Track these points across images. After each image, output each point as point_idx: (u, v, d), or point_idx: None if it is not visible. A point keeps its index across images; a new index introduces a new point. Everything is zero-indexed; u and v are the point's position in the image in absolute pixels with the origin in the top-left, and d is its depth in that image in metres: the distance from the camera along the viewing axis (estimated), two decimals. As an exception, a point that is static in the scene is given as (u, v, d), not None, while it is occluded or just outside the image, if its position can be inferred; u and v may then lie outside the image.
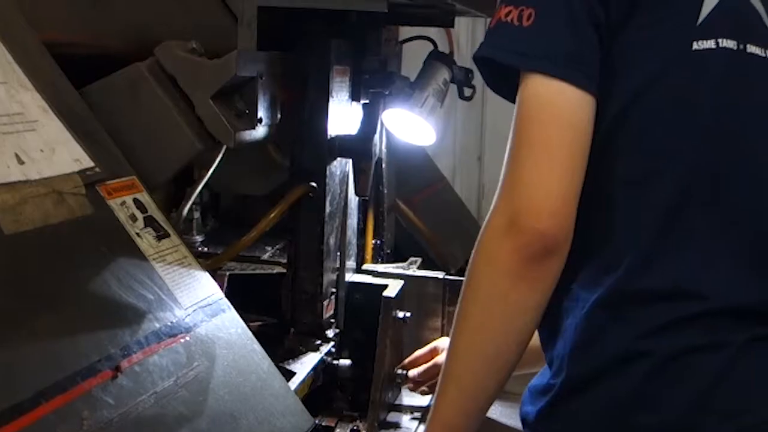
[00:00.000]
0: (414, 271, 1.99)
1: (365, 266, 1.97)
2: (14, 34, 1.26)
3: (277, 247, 2.03)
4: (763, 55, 1.17)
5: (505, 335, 1.14)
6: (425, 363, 1.82)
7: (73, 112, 1.26)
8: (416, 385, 1.83)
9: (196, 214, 1.97)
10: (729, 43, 1.14)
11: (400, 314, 1.78)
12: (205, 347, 1.19)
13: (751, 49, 1.16)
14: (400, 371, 1.84)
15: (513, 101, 1.15)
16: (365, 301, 1.81)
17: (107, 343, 1.03)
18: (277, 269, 1.83)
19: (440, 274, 2.02)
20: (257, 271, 1.84)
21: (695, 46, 1.14)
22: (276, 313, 1.72)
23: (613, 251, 1.14)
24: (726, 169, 1.14)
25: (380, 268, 1.98)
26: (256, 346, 1.30)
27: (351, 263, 1.86)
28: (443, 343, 1.84)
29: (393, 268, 1.99)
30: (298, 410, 1.29)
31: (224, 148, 1.44)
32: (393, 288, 1.78)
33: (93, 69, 1.41)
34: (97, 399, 0.96)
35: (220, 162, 1.47)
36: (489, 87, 1.22)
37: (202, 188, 1.56)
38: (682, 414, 1.11)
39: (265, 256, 1.97)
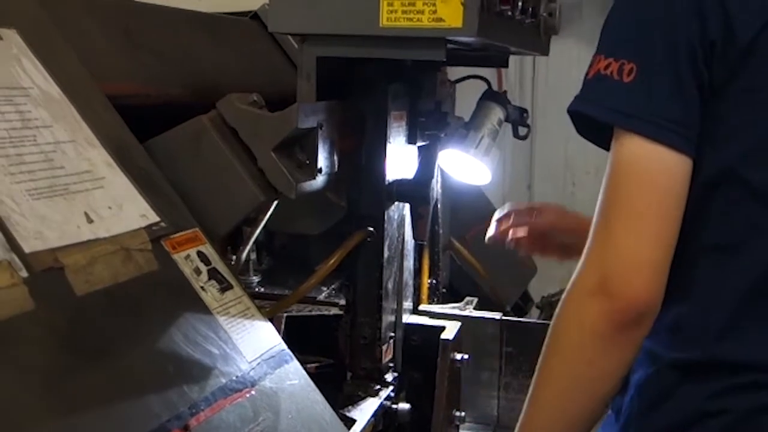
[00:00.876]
0: (470, 312, 1.98)
1: (421, 307, 1.97)
2: (79, 88, 1.28)
3: (333, 287, 2.04)
4: None
5: (590, 398, 1.13)
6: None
7: (137, 166, 1.28)
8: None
9: (252, 255, 2.00)
10: None
11: (458, 356, 1.77)
12: (270, 400, 1.19)
13: None
14: (458, 413, 1.83)
15: (607, 149, 1.12)
16: (423, 344, 1.81)
17: (176, 402, 1.04)
18: (334, 310, 1.84)
19: (497, 315, 2.01)
20: (314, 313, 1.85)
21: None
22: (333, 355, 1.72)
23: (692, 315, 1.12)
24: None
25: (436, 308, 1.98)
26: (318, 396, 1.30)
27: (408, 304, 1.86)
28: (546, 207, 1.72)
29: (449, 308, 1.99)
30: (360, 461, 1.29)
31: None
32: (450, 330, 1.78)
33: (156, 119, 1.43)
34: (168, 459, 0.97)
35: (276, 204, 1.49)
36: (581, 136, 1.19)
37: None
38: None
39: (321, 297, 1.98)
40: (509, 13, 1.43)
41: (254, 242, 2.06)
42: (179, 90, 1.58)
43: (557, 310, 1.13)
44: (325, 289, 2.06)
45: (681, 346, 1.13)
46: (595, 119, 1.12)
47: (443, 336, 1.76)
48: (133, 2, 1.71)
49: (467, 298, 2.08)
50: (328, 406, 1.31)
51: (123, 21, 1.55)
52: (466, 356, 1.80)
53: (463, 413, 1.84)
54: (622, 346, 1.09)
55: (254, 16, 2.02)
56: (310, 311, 1.86)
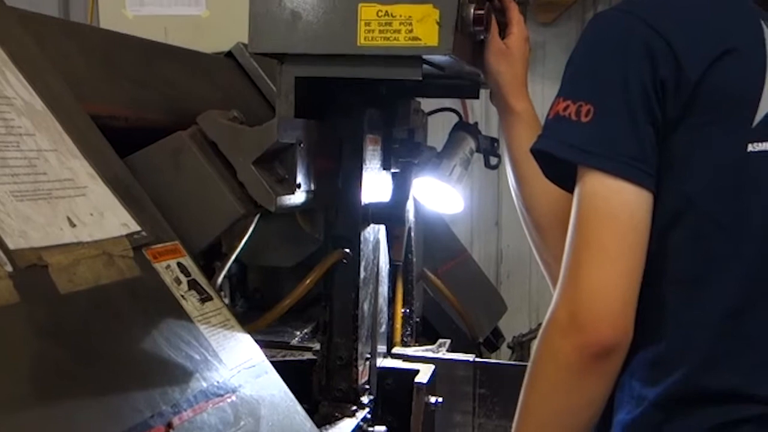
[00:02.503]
0: (444, 354, 1.99)
1: (395, 350, 1.98)
2: (61, 104, 1.30)
3: (306, 331, 2.05)
4: None
5: (569, 429, 1.16)
6: None
7: (118, 179, 1.29)
8: None
9: (226, 299, 1.99)
10: None
11: (432, 399, 1.78)
12: (251, 407, 1.20)
13: None
14: None
15: (571, 192, 1.17)
16: (397, 387, 1.82)
17: (159, 400, 1.04)
18: (307, 355, 1.85)
19: (470, 357, 2.03)
20: (287, 358, 1.85)
21: (750, 148, 1.14)
22: (307, 401, 1.71)
23: (670, 350, 1.14)
24: None
25: (410, 351, 1.99)
26: (299, 407, 1.31)
27: (382, 347, 1.87)
28: None
29: (423, 351, 2.00)
30: (340, 472, 1.29)
31: (256, 218, 1.47)
32: (424, 374, 1.79)
33: (134, 141, 1.45)
34: (151, 454, 0.97)
35: (250, 234, 1.50)
36: (547, 178, 1.24)
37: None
38: None
39: (294, 342, 1.98)
40: (481, 36, 1.47)
41: (228, 282, 2.08)
42: (157, 115, 1.60)
43: (535, 346, 1.17)
44: (298, 333, 2.06)
45: (663, 382, 1.14)
46: (555, 156, 1.16)
47: (417, 379, 1.77)
48: (113, 32, 1.74)
49: (440, 341, 2.10)
50: (308, 418, 1.32)
51: (102, 47, 1.58)
52: (440, 399, 1.81)
53: None
54: (595, 379, 1.12)
55: (229, 54, 2.06)
56: (283, 356, 1.86)
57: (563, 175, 1.19)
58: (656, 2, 1.20)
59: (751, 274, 1.14)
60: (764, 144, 1.14)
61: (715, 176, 1.13)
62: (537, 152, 1.20)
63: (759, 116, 1.14)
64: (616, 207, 1.11)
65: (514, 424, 1.20)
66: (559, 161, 1.16)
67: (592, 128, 1.13)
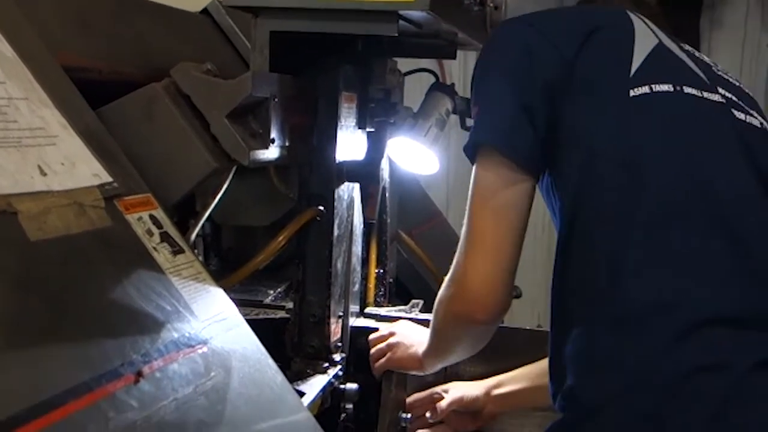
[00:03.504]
0: (416, 314, 2.00)
1: (368, 310, 1.99)
2: (33, 55, 1.28)
3: (279, 290, 2.04)
4: (700, 95, 1.32)
5: (466, 352, 1.56)
6: (425, 407, 1.90)
7: (90, 130, 1.28)
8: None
9: (200, 256, 1.99)
10: (663, 87, 1.30)
11: None
12: (222, 359, 1.20)
13: (688, 90, 1.31)
14: (404, 415, 1.85)
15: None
16: (369, 347, 1.82)
17: (129, 349, 1.04)
18: (280, 314, 1.85)
19: None
20: (260, 316, 1.85)
21: (632, 93, 1.28)
22: (281, 359, 1.72)
23: (601, 282, 1.26)
24: (685, 195, 1.25)
25: (383, 311, 1.99)
26: (270, 361, 1.31)
27: (354, 307, 1.88)
28: (443, 388, 1.90)
29: (396, 311, 2.00)
30: (311, 426, 1.30)
31: (231, 174, 1.46)
32: None
33: (106, 94, 1.43)
34: (121, 401, 0.97)
35: (223, 192, 1.49)
36: None
37: (204, 222, 1.57)
38: None
39: (268, 300, 1.98)
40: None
41: (201, 240, 2.08)
42: (130, 69, 1.58)
43: (436, 303, 1.47)
44: (271, 292, 2.06)
45: (598, 308, 1.27)
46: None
47: None
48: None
49: (413, 301, 2.10)
50: (280, 372, 1.32)
51: (76, 1, 1.55)
52: None
53: (409, 415, 1.86)
54: (477, 330, 1.43)
55: (204, 11, 2.04)
56: (257, 315, 1.86)
57: None
58: (537, 13, 1.42)
59: (661, 198, 1.25)
60: (643, 88, 1.29)
61: (603, 125, 1.28)
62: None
63: (634, 67, 1.31)
64: (489, 190, 1.31)
65: (429, 343, 1.60)
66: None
67: (477, 124, 1.33)
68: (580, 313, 1.28)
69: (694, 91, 1.32)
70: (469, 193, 1.33)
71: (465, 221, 1.33)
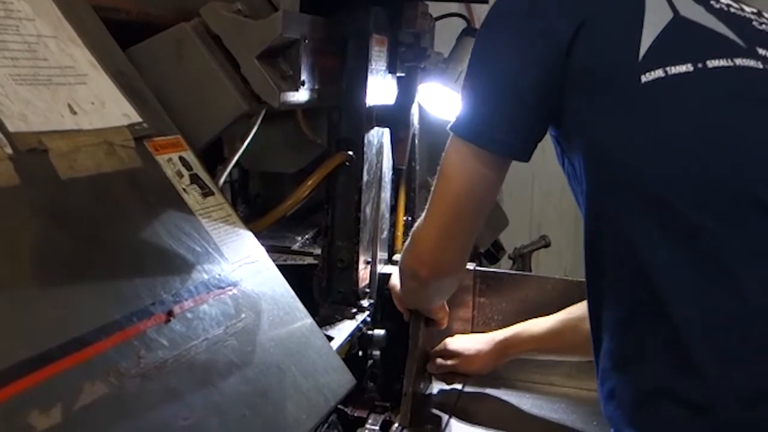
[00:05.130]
0: None
1: (396, 257, 1.97)
2: (61, -6, 1.27)
3: (307, 237, 2.04)
4: (730, 64, 1.16)
5: (431, 302, 1.69)
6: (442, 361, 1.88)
7: (119, 70, 1.27)
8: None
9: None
10: (681, 68, 1.14)
11: None
12: (252, 301, 1.20)
13: (714, 63, 1.15)
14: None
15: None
16: None
17: (159, 289, 1.04)
18: (308, 260, 1.85)
19: (471, 265, 2.01)
20: (288, 262, 1.85)
21: (644, 79, 1.14)
22: (308, 304, 1.72)
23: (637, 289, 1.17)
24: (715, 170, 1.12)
25: None
26: (299, 304, 1.31)
27: (383, 254, 1.87)
28: (454, 344, 1.88)
29: None
30: (339, 368, 1.30)
31: (260, 118, 1.44)
32: None
33: (136, 34, 1.42)
34: (152, 340, 0.97)
35: (252, 137, 1.48)
36: None
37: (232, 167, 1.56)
38: None
39: (296, 246, 1.97)
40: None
41: (229, 186, 2.07)
42: (159, 10, 1.56)
43: (400, 260, 1.52)
44: (299, 239, 2.06)
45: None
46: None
47: None
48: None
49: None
50: (308, 315, 1.32)
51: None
52: None
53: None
54: (435, 286, 1.49)
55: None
56: (284, 260, 1.86)
57: None
58: None
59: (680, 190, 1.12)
60: (657, 71, 1.14)
61: (614, 116, 1.16)
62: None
63: (643, 49, 1.16)
64: (453, 170, 1.28)
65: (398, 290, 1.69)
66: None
67: (463, 108, 1.27)
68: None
69: (722, 62, 1.15)
70: (441, 161, 1.30)
71: (433, 185, 1.33)
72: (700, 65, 1.15)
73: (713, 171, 1.11)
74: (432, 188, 1.34)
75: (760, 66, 1.17)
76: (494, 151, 1.24)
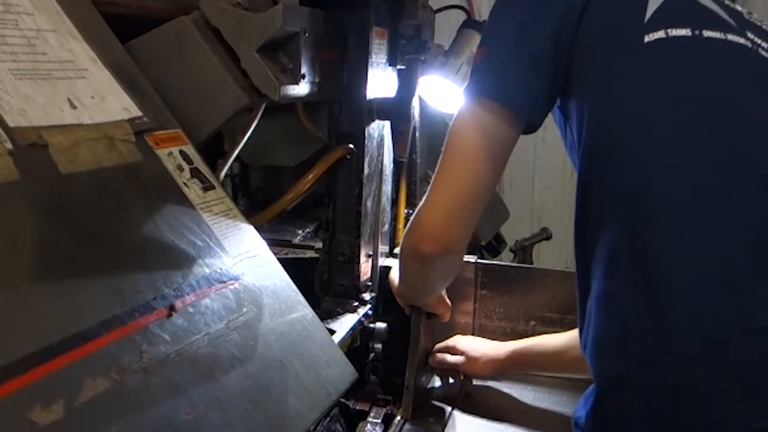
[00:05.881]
0: None
1: (397, 250, 1.97)
2: (61, -13, 1.26)
3: (308, 230, 2.04)
4: (722, 37, 1.23)
5: (425, 291, 1.61)
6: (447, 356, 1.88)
7: (119, 64, 1.27)
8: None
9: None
10: (680, 31, 1.21)
11: None
12: (253, 295, 1.19)
13: (708, 33, 1.23)
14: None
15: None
16: None
17: (161, 283, 1.04)
18: (309, 253, 1.84)
19: (472, 258, 2.02)
20: (289, 256, 1.85)
21: (647, 39, 1.20)
22: (309, 298, 1.72)
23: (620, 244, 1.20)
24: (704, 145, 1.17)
25: None
26: (301, 298, 1.31)
27: (384, 247, 1.87)
28: (463, 344, 1.88)
29: None
30: (341, 361, 1.30)
31: (260, 112, 1.44)
32: None
33: (136, 29, 1.41)
34: (154, 335, 0.97)
35: (252, 131, 1.47)
36: None
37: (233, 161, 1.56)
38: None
39: (296, 240, 1.97)
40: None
41: (230, 179, 2.07)
42: (159, 4, 1.56)
43: (401, 241, 1.45)
44: (300, 232, 2.05)
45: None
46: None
47: None
48: None
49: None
50: (310, 308, 1.32)
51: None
52: None
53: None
54: (437, 266, 1.40)
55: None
56: (285, 254, 1.86)
57: None
58: None
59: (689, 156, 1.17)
60: (658, 33, 1.21)
61: (618, 70, 1.21)
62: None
63: (649, 12, 1.22)
64: (467, 132, 1.26)
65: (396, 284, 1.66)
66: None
67: (480, 68, 1.27)
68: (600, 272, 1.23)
69: (716, 34, 1.24)
70: (450, 131, 1.29)
71: (439, 161, 1.30)
72: (697, 32, 1.23)
73: (702, 141, 1.17)
74: (439, 165, 1.31)
75: (749, 45, 1.25)
76: (510, 106, 1.25)
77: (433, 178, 1.32)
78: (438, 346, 1.87)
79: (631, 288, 1.17)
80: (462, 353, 1.83)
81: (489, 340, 1.88)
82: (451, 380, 1.88)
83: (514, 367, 1.82)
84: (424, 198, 1.35)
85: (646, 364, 1.15)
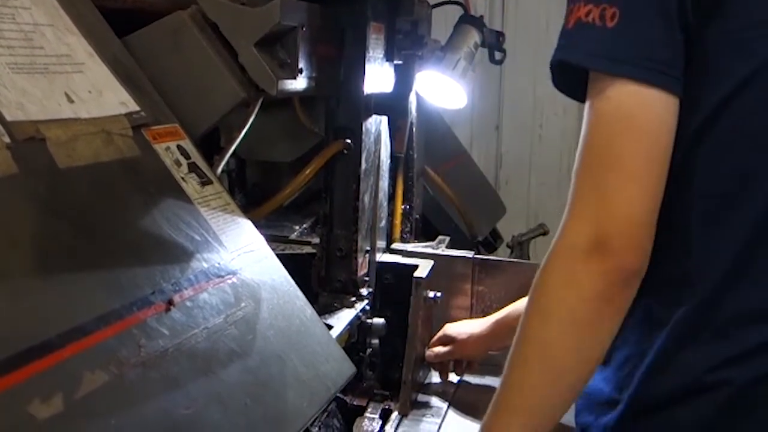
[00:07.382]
0: (443, 251, 1.98)
1: (394, 246, 1.97)
2: (57, -19, 1.26)
3: (305, 226, 2.04)
4: None
5: (586, 363, 1.06)
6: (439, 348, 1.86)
7: (116, 59, 1.26)
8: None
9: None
10: None
11: (431, 294, 1.77)
12: (251, 290, 1.19)
13: None
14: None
15: (582, 100, 1.07)
16: (396, 282, 1.81)
17: (159, 278, 1.04)
18: (306, 249, 1.84)
19: (469, 254, 2.02)
20: (286, 251, 1.84)
21: None
22: (306, 293, 1.72)
23: (695, 268, 1.06)
24: None
25: (410, 247, 1.98)
26: (299, 293, 1.31)
27: (381, 243, 1.87)
28: (451, 329, 1.87)
29: (422, 247, 1.99)
30: (339, 356, 1.30)
31: (257, 107, 1.44)
32: (423, 268, 1.77)
33: (132, 23, 1.41)
34: (152, 329, 0.97)
35: (248, 127, 1.47)
36: (558, 89, 1.13)
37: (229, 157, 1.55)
38: None
39: (294, 236, 1.97)
40: None
41: (227, 175, 2.06)
42: (155, -1, 1.56)
43: (539, 273, 1.07)
44: (297, 228, 2.05)
45: (685, 302, 1.06)
46: (581, 67, 1.05)
47: (416, 274, 1.75)
48: None
49: (440, 237, 2.09)
50: (308, 303, 1.32)
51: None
52: (438, 294, 1.80)
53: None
54: (617, 307, 1.04)
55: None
56: (282, 250, 1.85)
57: (578, 85, 1.08)
58: None
59: None
60: None
61: (751, 79, 1.03)
62: (558, 64, 1.08)
63: None
64: (644, 119, 1.02)
65: (509, 367, 1.09)
66: (575, 71, 1.06)
67: (619, 32, 1.02)
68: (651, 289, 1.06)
69: None
70: (590, 117, 1.04)
71: (580, 155, 1.05)
72: None
73: None
74: (587, 153, 1.04)
75: None
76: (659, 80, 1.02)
77: (592, 172, 1.04)
78: (431, 342, 1.87)
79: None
80: (453, 339, 1.83)
81: (475, 320, 1.88)
82: (452, 379, 1.88)
83: (502, 336, 1.75)
84: (584, 198, 1.04)
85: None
